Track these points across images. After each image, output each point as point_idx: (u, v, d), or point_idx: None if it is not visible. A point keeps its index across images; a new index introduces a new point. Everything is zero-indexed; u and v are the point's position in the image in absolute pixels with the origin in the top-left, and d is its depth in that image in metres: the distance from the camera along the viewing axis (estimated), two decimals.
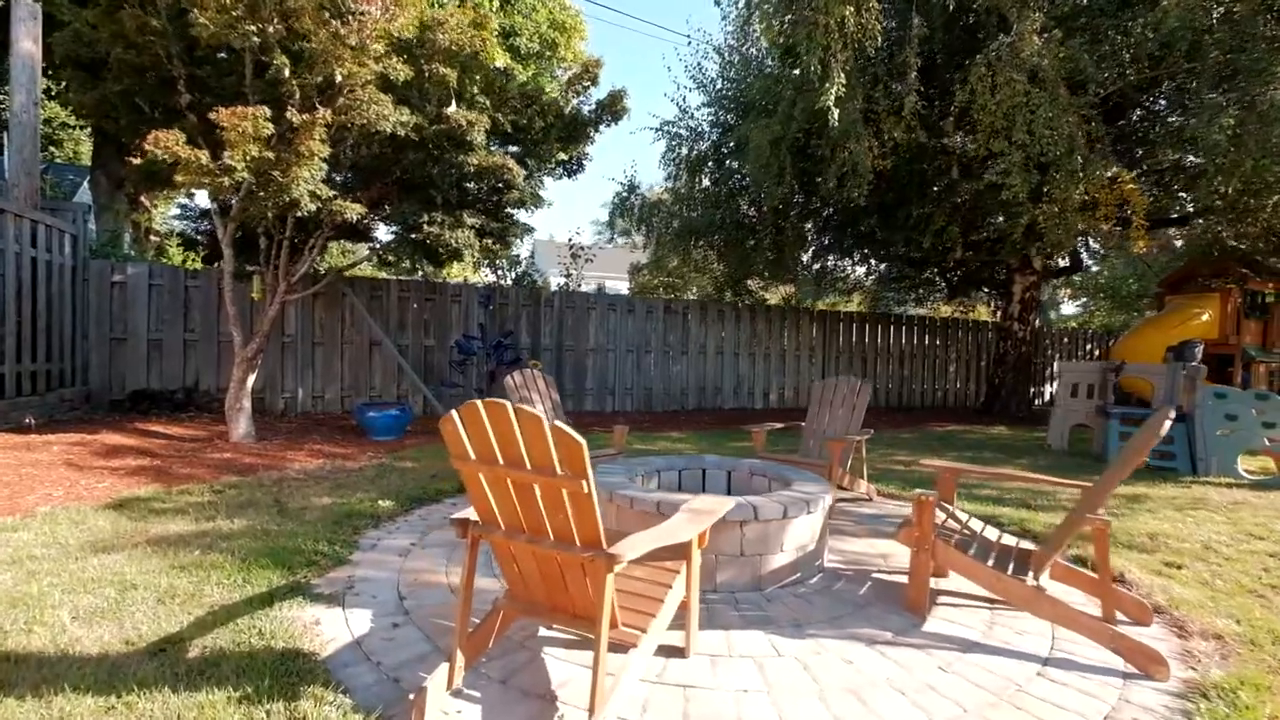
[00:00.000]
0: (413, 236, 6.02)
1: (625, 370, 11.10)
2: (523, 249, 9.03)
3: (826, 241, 11.20)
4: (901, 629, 2.71)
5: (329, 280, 7.43)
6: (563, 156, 7.40)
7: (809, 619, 2.78)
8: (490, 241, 6.62)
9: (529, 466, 1.84)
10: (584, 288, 12.95)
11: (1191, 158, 6.92)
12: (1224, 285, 10.60)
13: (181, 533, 3.58)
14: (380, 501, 4.38)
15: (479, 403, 1.88)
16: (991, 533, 3.16)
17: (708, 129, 10.67)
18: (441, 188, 5.74)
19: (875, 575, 3.35)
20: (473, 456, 1.94)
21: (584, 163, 7.64)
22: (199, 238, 9.37)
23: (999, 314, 11.70)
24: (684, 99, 17.45)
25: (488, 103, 5.60)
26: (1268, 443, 6.44)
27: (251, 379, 6.34)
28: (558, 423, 1.82)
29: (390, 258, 6.97)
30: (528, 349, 10.08)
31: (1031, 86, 5.91)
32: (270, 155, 4.37)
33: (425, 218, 5.76)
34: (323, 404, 8.87)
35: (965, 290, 13.79)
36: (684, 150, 10.93)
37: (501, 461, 1.89)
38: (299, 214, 5.01)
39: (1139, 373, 7.89)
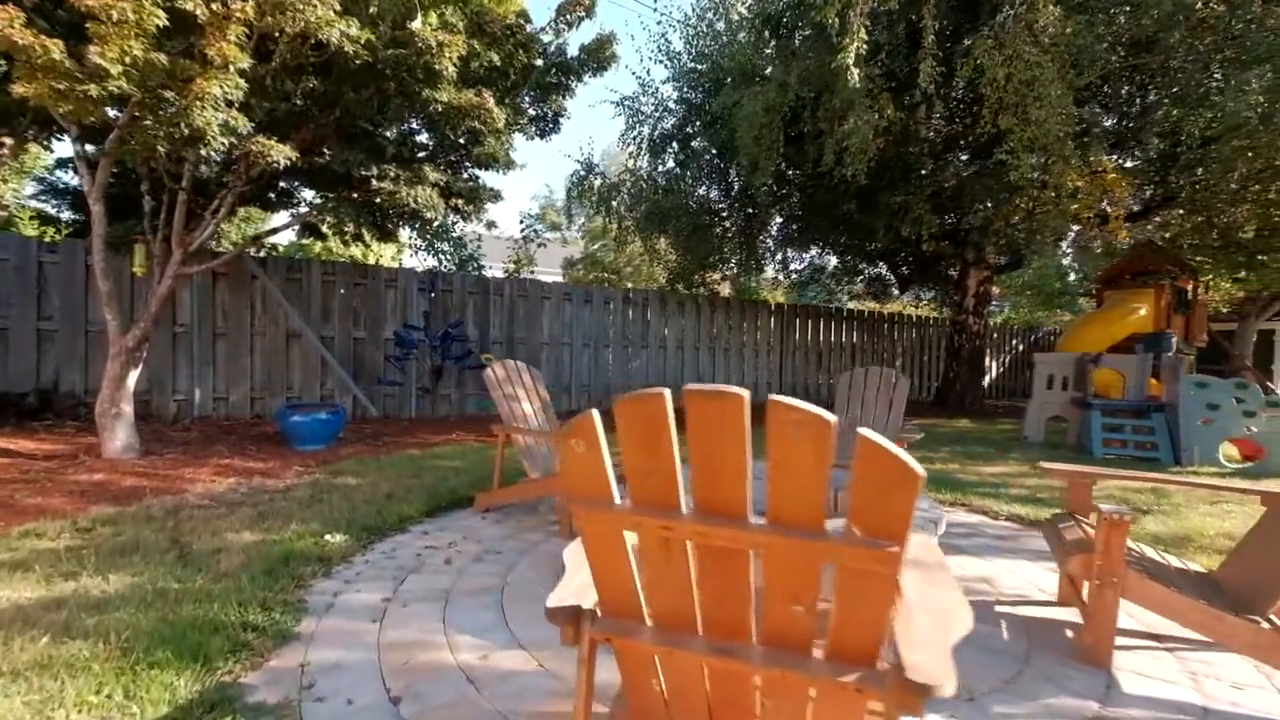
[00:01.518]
0: (355, 196, 4.81)
1: (582, 366, 10.16)
2: (472, 227, 7.87)
3: (795, 230, 10.75)
4: (1098, 692, 2.04)
5: (237, 254, 6.02)
6: (532, 113, 6.37)
7: (976, 684, 2.05)
8: (461, 203, 5.49)
9: (784, 521, 0.99)
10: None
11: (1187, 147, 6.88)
12: (1158, 282, 11.08)
13: (21, 604, 2.37)
14: (328, 536, 3.28)
15: (652, 394, 1.01)
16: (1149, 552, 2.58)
17: (674, 106, 9.91)
18: (396, 134, 4.58)
19: (999, 608, 2.69)
20: (622, 501, 1.06)
21: (560, 120, 6.65)
22: (61, 214, 7.55)
23: (954, 308, 11.73)
24: (648, 72, 16.54)
25: (461, 25, 4.51)
26: (1249, 431, 6.51)
27: (133, 376, 4.91)
28: (892, 446, 0.98)
29: (325, 223, 5.62)
30: (475, 342, 8.93)
31: (1044, 58, 5.58)
32: (162, 61, 3.13)
33: (375, 170, 4.58)
34: (227, 407, 7.34)
35: (915, 285, 13.88)
36: (645, 129, 10.12)
37: (694, 509, 1.02)
38: (203, 153, 3.75)
39: (1111, 364, 7.93)
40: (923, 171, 7.70)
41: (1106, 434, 7.20)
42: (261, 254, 8.22)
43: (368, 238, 6.65)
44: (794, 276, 13.64)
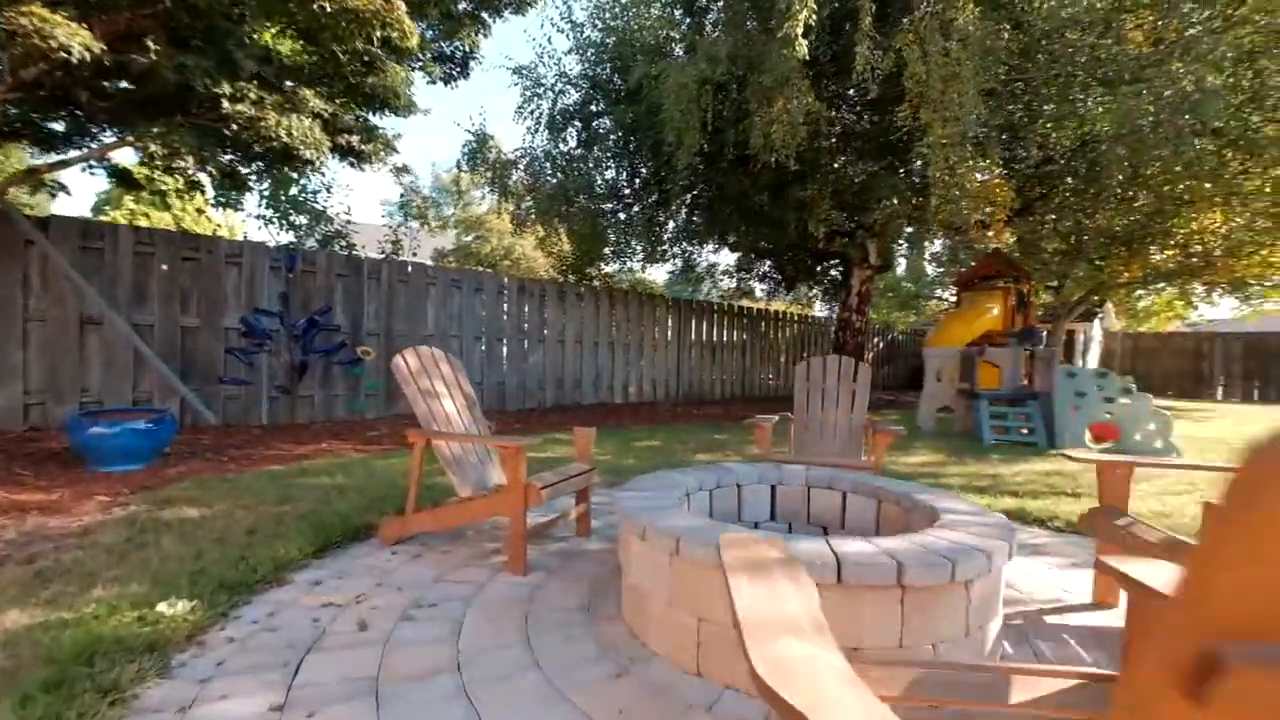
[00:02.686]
0: (196, 121, 3.49)
1: (474, 361, 9.07)
2: (339, 199, 6.58)
3: (700, 222, 10.51)
4: None
5: None
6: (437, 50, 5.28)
7: None
8: (356, 141, 4.30)
9: None
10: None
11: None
12: (1004, 285, 12.39)
13: None
14: (161, 605, 2.18)
15: None
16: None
17: (578, 80, 9.17)
18: (258, 48, 3.34)
19: (1050, 619, 2.37)
20: None
21: (470, 64, 5.61)
22: None
23: (840, 306, 12.24)
24: (549, 40, 15.37)
25: None
26: (1108, 416, 7.26)
27: None
28: None
29: (150, 154, 4.07)
30: (347, 334, 7.53)
31: (963, 53, 5.69)
32: None
33: (228, 89, 3.30)
34: None
35: (800, 284, 14.38)
36: (545, 103, 9.28)
37: None
38: None
39: (995, 357, 8.57)
40: (834, 165, 7.75)
41: (993, 422, 7.74)
42: (46, 215, 6.18)
43: (208, 187, 5.12)
44: (693, 273, 13.45)
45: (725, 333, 13.40)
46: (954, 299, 21.04)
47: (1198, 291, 16.25)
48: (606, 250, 11.90)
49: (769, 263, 14.25)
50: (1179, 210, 7.39)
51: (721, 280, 15.19)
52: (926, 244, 15.99)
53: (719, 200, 8.58)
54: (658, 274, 24.46)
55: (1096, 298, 15.93)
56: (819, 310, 20.28)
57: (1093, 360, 18.05)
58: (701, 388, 12.91)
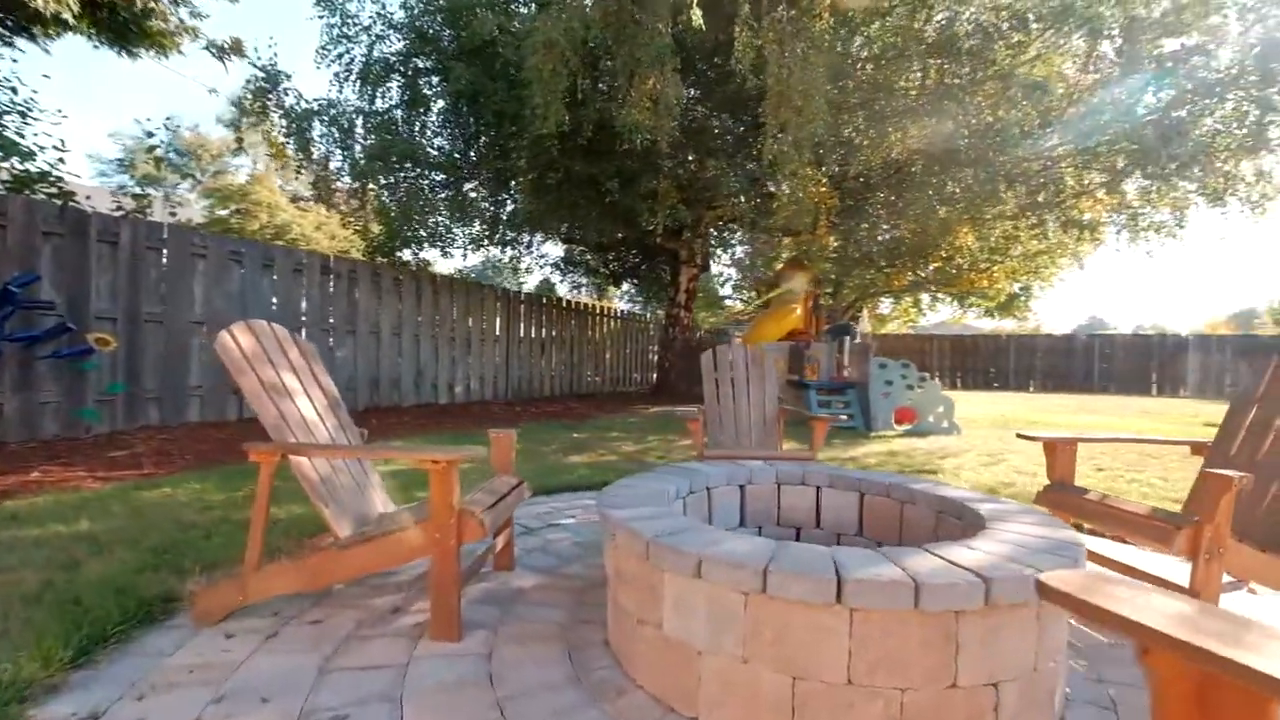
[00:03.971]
0: None
1: None
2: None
3: (537, 206, 9.73)
4: None
5: None
6: None
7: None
8: None
9: None
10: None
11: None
12: (806, 287, 13.87)
13: None
14: None
15: None
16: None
17: (401, 27, 7.80)
18: None
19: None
20: None
21: None
22: None
23: (669, 303, 12.50)
24: None
25: None
26: (909, 401, 8.37)
27: None
28: None
29: None
30: (62, 316, 5.33)
31: (820, 58, 6.00)
32: None
33: None
34: None
35: (627, 280, 14.43)
36: (359, 49, 7.76)
37: None
38: None
39: (815, 351, 9.37)
40: (689, 158, 7.71)
41: (820, 410, 8.44)
42: None
43: None
44: (525, 263, 12.60)
45: (555, 328, 12.84)
46: (749, 301, 23.20)
47: (925, 300, 20.14)
48: (423, 232, 10.51)
49: (592, 258, 14.03)
50: (951, 229, 8.85)
51: (541, 273, 14.54)
52: (733, 247, 17.31)
53: (566, 184, 8.01)
54: (468, 261, 22.77)
55: (859, 302, 18.79)
56: (625, 305, 20.78)
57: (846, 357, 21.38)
58: (532, 385, 12.17)
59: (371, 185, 8.25)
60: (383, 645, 1.90)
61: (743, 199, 8.13)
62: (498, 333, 11.31)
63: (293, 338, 2.48)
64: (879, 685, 1.37)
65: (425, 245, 10.79)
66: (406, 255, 11.23)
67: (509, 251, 11.83)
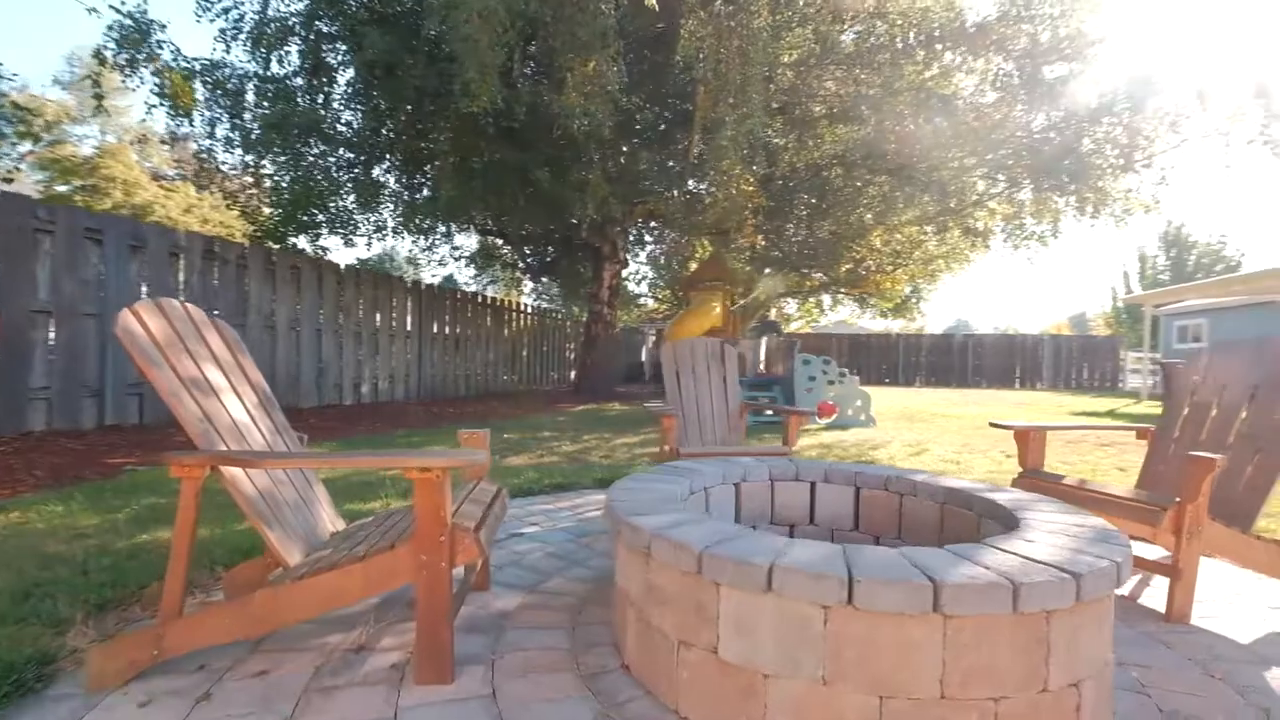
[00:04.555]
0: None
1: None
2: None
3: (467, 191, 9.08)
4: (1218, 650, 1.88)
5: None
6: None
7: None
8: None
9: None
10: None
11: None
12: (723, 287, 14.14)
13: None
14: None
15: None
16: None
17: None
18: None
19: None
20: None
21: None
22: None
23: (591, 300, 12.26)
24: None
25: None
26: (830, 396, 8.69)
27: None
28: None
29: None
30: None
31: (754, 53, 6.03)
32: None
33: None
34: None
35: (544, 276, 14.00)
36: (250, 5, 6.86)
37: None
38: None
39: (742, 348, 9.50)
40: (623, 149, 7.49)
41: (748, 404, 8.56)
42: None
43: None
44: (439, 255, 11.80)
45: (470, 324, 12.17)
46: (663, 300, 23.42)
47: (826, 301, 21.26)
48: (322, 217, 9.54)
49: (508, 251, 13.49)
50: (867, 232, 9.32)
51: (452, 266, 13.78)
52: (649, 245, 17.33)
53: (492, 170, 7.53)
54: (370, 251, 21.13)
55: (768, 302, 19.50)
56: (533, 301, 20.24)
57: (762, 355, 22.21)
58: (446, 385, 11.46)
59: (266, 161, 7.31)
60: (356, 697, 1.55)
61: (676, 193, 8.06)
62: (409, 328, 10.54)
63: (212, 321, 2.02)
64: (972, 697, 1.26)
65: (325, 231, 9.81)
66: (302, 242, 10.17)
67: (421, 241, 11.01)
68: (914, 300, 16.90)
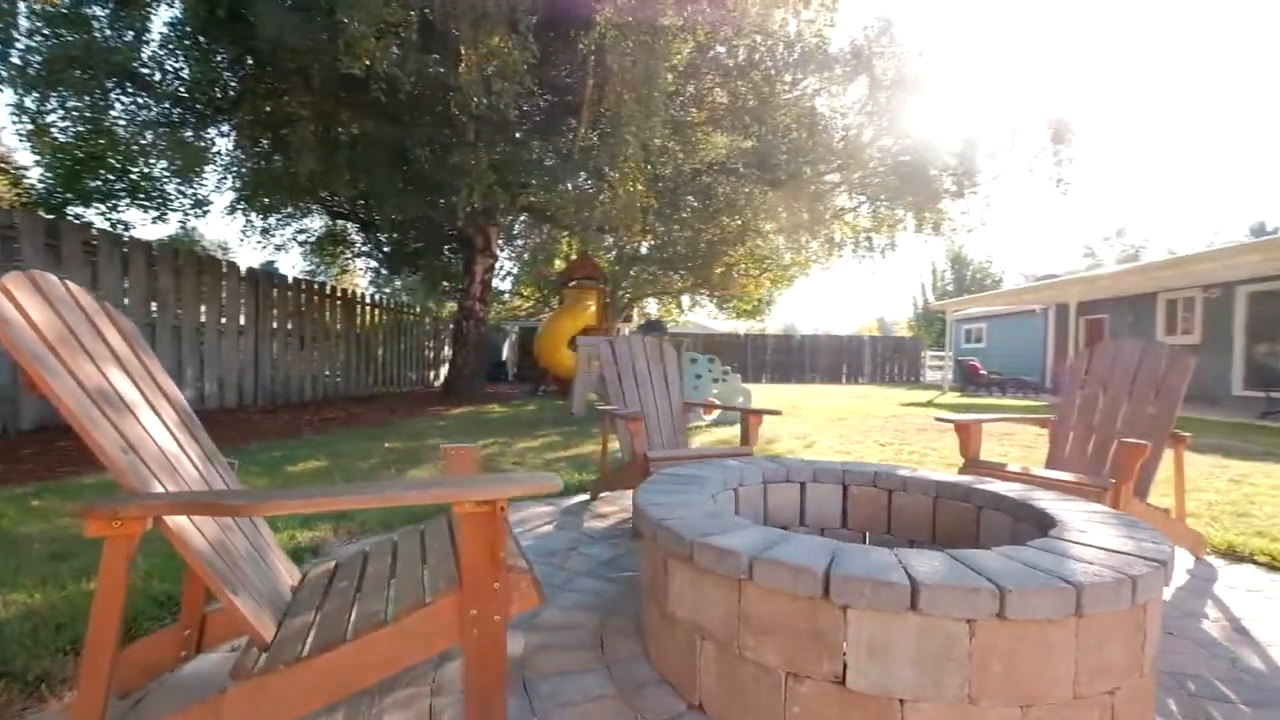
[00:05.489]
0: None
1: None
2: None
3: (328, 166, 7.82)
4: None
5: None
6: None
7: None
8: None
9: None
10: None
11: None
12: (597, 286, 14.07)
13: None
14: None
15: None
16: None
17: None
18: None
19: None
20: None
21: None
22: None
23: (462, 295, 11.46)
24: None
25: None
26: (715, 393, 9.00)
27: None
28: None
29: None
30: None
31: (660, 48, 6.01)
32: None
33: None
34: None
35: (405, 268, 12.84)
36: None
37: None
38: None
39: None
40: (517, 134, 6.99)
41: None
42: None
43: None
44: (280, 238, 10.19)
45: (316, 319, 10.69)
46: (528, 296, 22.77)
47: (685, 301, 22.19)
48: (122, 184, 7.76)
49: (362, 238, 12.17)
50: (744, 238, 9.82)
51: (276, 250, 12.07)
52: (515, 240, 16.72)
53: (363, 144, 6.61)
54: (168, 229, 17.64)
55: (632, 302, 19.85)
56: (369, 289, 18.56)
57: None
58: (290, 388, 9.98)
59: (47, 107, 5.71)
60: None
61: (570, 187, 7.77)
62: (243, 322, 8.98)
63: (105, 309, 1.44)
64: (1097, 692, 1.28)
65: (127, 200, 8.01)
66: (91, 215, 8.20)
67: (258, 221, 9.43)
68: (766, 303, 18.26)
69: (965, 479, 2.32)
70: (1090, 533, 1.59)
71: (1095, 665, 1.27)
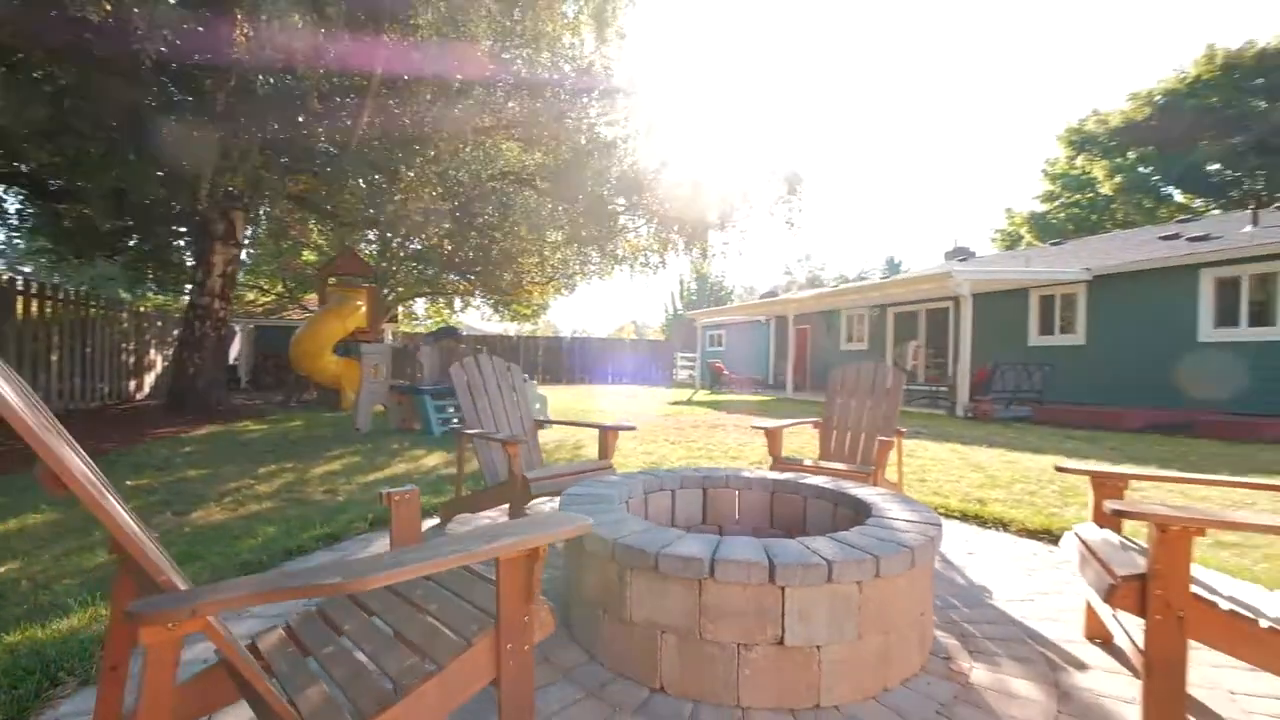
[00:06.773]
0: None
1: None
2: None
3: (19, 119, 5.62)
4: None
5: None
6: None
7: None
8: None
9: None
10: None
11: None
12: (366, 284, 12.86)
13: None
14: None
15: None
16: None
17: None
18: None
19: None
20: None
21: None
22: None
23: (196, 290, 9.48)
24: None
25: None
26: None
27: None
28: None
29: None
30: None
31: (475, 26, 5.97)
32: None
33: None
34: None
35: (101, 250, 10.11)
36: None
37: None
38: None
39: (422, 355, 8.92)
40: (316, 105, 5.97)
41: (439, 415, 8.19)
42: None
43: None
44: None
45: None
46: (267, 290, 19.59)
47: (457, 303, 21.51)
48: None
49: (38, 210, 9.31)
50: (542, 246, 10.09)
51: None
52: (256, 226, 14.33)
53: (78, 97, 5.08)
54: None
55: (398, 301, 18.52)
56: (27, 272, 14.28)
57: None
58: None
59: None
60: None
61: (361, 182, 7.06)
62: None
63: None
64: (917, 615, 1.96)
65: None
66: None
67: None
68: (543, 308, 18.74)
69: (791, 476, 3.04)
70: (892, 510, 2.34)
71: (918, 598, 1.96)
